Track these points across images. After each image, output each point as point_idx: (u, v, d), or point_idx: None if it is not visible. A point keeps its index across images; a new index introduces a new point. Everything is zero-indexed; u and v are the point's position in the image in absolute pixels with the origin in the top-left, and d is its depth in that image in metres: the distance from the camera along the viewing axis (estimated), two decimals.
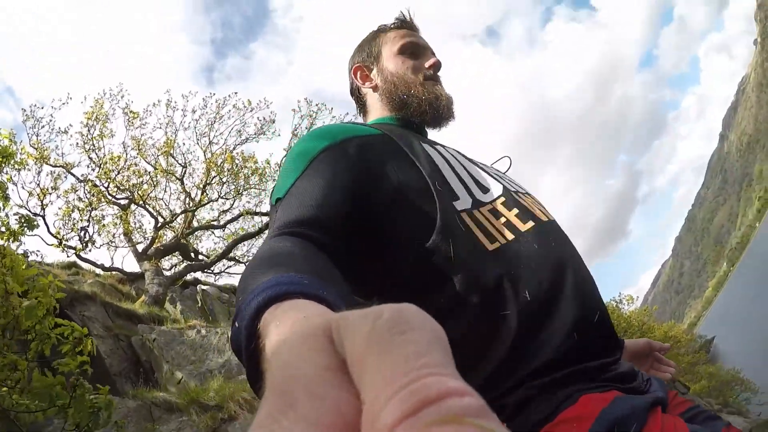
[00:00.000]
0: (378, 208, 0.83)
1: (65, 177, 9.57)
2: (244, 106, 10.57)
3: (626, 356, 1.03)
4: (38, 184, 9.11)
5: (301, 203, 0.76)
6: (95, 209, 9.50)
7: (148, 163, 10.21)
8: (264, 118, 10.73)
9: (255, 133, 10.68)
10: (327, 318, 0.26)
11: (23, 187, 8.93)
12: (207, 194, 10.41)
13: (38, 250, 8.64)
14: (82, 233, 9.25)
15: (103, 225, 9.65)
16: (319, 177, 0.81)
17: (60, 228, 9.10)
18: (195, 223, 10.53)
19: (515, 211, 0.90)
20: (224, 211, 10.79)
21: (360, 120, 1.20)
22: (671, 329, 20.04)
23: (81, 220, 9.31)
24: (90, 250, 9.21)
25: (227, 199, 10.64)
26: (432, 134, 1.15)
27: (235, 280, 11.03)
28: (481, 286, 0.78)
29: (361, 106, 1.19)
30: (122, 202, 9.84)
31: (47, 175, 9.34)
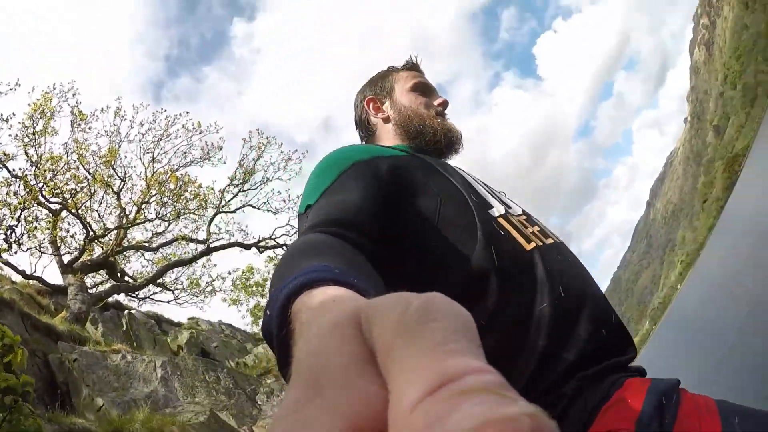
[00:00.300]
0: (414, 221, 0.87)
1: (0, 169, 9.00)
2: (194, 128, 10.40)
3: None
4: None
5: (334, 206, 0.78)
6: (27, 209, 8.97)
7: (87, 170, 9.76)
8: (212, 143, 10.60)
9: (201, 157, 10.47)
10: (356, 305, 0.26)
11: None
12: (143, 213, 10.06)
13: None
14: (8, 232, 8.71)
15: (34, 227, 9.10)
16: (351, 186, 0.83)
17: None
18: (125, 243, 10.12)
19: (536, 227, 0.98)
20: (158, 234, 10.46)
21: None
22: None
23: (11, 218, 8.77)
24: (15, 252, 8.68)
25: (164, 220, 10.32)
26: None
27: (159, 309, 10.58)
28: (522, 283, 0.84)
29: (370, 135, 1.26)
30: (54, 207, 9.31)
31: None
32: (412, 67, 1.30)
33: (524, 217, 1.00)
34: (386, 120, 1.22)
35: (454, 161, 1.22)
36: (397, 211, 0.86)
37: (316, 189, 0.85)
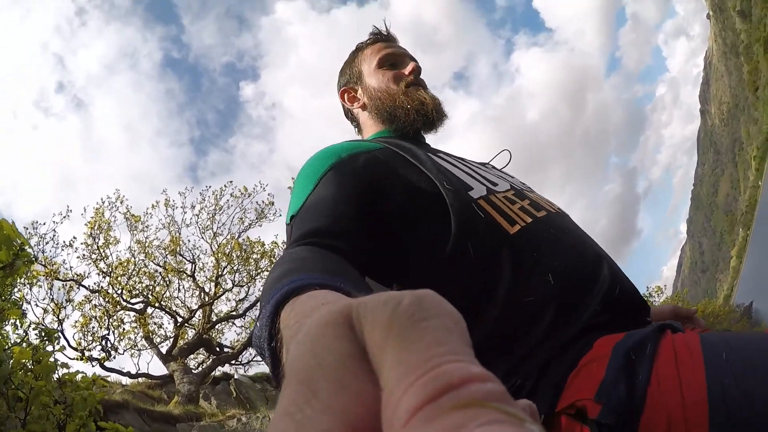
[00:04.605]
0: (392, 217, 0.85)
1: (77, 289, 9.59)
2: (241, 194, 10.76)
3: None
4: (52, 299, 9.13)
5: (314, 216, 0.78)
6: (112, 316, 9.49)
7: (157, 264, 10.29)
8: (263, 202, 10.93)
9: (256, 218, 10.82)
10: (347, 304, 0.25)
11: (37, 305, 8.95)
12: (221, 285, 10.43)
13: (64, 364, 8.62)
14: (103, 342, 9.22)
15: (124, 331, 9.62)
16: (329, 191, 0.83)
17: (80, 340, 9.07)
18: (214, 317, 10.51)
19: (526, 201, 0.93)
20: (241, 300, 10.78)
21: (358, 138, 1.22)
22: (707, 306, 19.56)
23: (101, 328, 9.30)
24: (114, 358, 9.19)
25: (241, 286, 10.65)
26: (430, 138, 1.18)
27: (265, 368, 10.86)
28: (507, 271, 0.80)
29: (356, 125, 1.22)
30: (138, 306, 9.85)
31: (59, 289, 9.36)
32: (376, 39, 1.22)
33: (512, 192, 0.95)
34: (363, 107, 1.18)
35: (434, 142, 1.17)
36: (376, 208, 0.84)
37: (298, 199, 0.85)
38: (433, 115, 1.12)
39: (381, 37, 1.23)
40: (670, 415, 0.61)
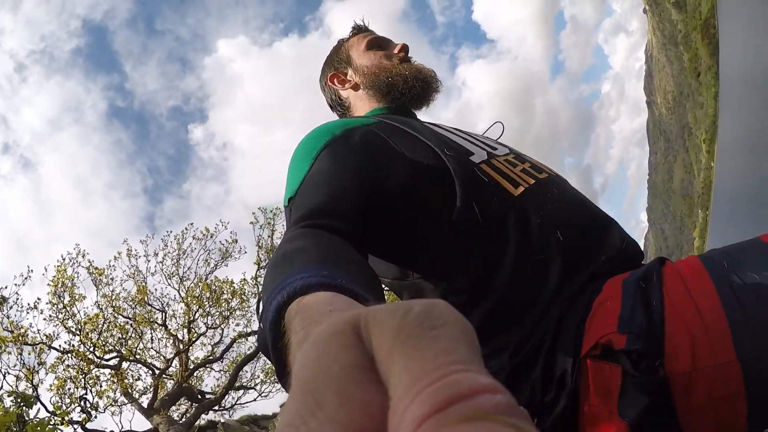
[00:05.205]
0: (393, 189, 0.83)
1: (48, 351, 9.23)
2: (204, 235, 10.60)
3: None
4: (23, 365, 8.77)
5: (312, 195, 0.75)
6: (87, 374, 9.19)
7: (126, 317, 10.02)
8: (226, 240, 10.78)
9: (222, 258, 10.65)
10: (355, 313, 0.25)
11: (8, 372, 8.58)
12: (194, 331, 10.22)
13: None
14: (82, 402, 8.88)
15: (101, 390, 9.30)
16: (326, 168, 0.81)
17: (57, 403, 8.68)
18: (191, 364, 10.27)
19: (527, 164, 0.93)
20: (216, 343, 10.59)
21: None
22: None
23: (77, 389, 8.97)
24: (95, 418, 8.85)
25: (215, 328, 10.47)
26: (421, 115, 1.18)
27: (250, 410, 10.67)
28: (515, 233, 0.80)
29: (345, 110, 1.21)
30: (112, 362, 9.56)
31: (29, 354, 9.00)
32: (359, 30, 1.25)
33: (512, 156, 0.95)
34: (356, 87, 1.17)
35: (425, 116, 1.18)
36: (376, 182, 0.82)
37: (294, 180, 0.82)
38: (432, 82, 1.13)
39: (362, 29, 1.25)
40: (690, 327, 0.63)
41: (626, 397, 0.63)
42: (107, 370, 9.57)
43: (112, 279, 10.18)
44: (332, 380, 0.21)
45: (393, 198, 0.83)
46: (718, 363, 0.60)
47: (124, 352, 9.57)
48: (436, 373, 0.19)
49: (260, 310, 0.45)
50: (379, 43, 1.20)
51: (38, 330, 9.39)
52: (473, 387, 0.18)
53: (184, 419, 9.54)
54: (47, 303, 9.55)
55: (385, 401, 0.20)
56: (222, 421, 9.45)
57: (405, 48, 1.17)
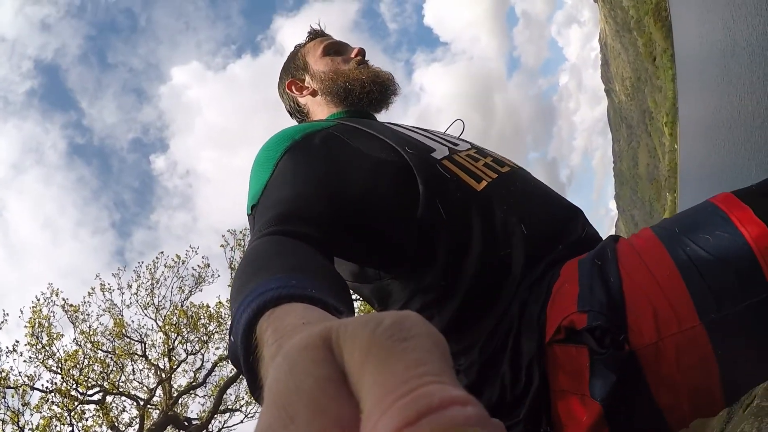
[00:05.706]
0: (357, 190, 0.82)
1: (31, 392, 9.15)
2: (175, 262, 10.59)
3: None
4: (8, 408, 8.71)
5: (275, 202, 0.74)
6: (72, 411, 9.13)
7: (106, 351, 9.98)
8: (198, 266, 10.80)
9: (195, 284, 10.67)
10: (326, 326, 0.24)
11: None
12: (175, 359, 10.20)
13: None
14: None
15: (88, 426, 9.24)
16: (288, 174, 0.80)
17: None
18: (174, 392, 10.26)
19: (489, 158, 0.93)
20: (198, 369, 10.56)
21: None
22: None
23: (63, 425, 8.91)
24: None
25: (195, 354, 10.46)
26: (380, 118, 1.18)
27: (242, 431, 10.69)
28: (478, 227, 0.80)
29: (304, 116, 1.20)
30: (96, 397, 9.51)
31: (12, 396, 8.90)
32: (315, 34, 1.24)
33: (474, 151, 0.96)
34: (314, 94, 1.16)
35: (384, 116, 1.18)
36: (339, 185, 0.81)
37: (256, 187, 0.81)
38: (389, 85, 1.13)
39: (318, 34, 1.24)
40: (650, 298, 0.63)
41: (595, 377, 0.62)
42: (92, 406, 9.53)
43: (88, 315, 10.10)
44: (304, 394, 0.21)
45: (356, 199, 0.81)
46: (682, 330, 0.60)
47: (107, 386, 9.52)
48: (407, 385, 0.19)
49: (231, 323, 0.45)
50: (335, 48, 1.19)
51: (19, 372, 9.32)
52: (444, 399, 0.18)
53: None
54: (26, 344, 9.48)
55: (357, 414, 0.20)
56: None
57: (362, 52, 1.17)
